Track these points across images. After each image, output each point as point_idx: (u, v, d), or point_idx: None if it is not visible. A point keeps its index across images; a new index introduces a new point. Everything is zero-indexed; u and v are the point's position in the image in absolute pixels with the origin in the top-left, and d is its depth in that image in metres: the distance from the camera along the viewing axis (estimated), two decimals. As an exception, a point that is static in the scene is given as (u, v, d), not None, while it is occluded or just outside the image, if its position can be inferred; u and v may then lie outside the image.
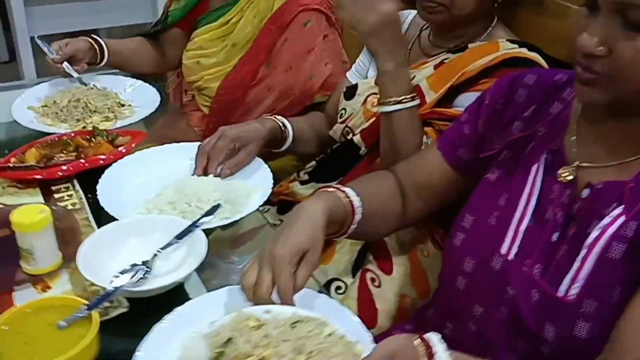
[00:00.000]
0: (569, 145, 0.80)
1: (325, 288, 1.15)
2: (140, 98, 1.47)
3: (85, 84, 1.46)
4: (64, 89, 1.44)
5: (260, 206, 1.11)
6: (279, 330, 0.73)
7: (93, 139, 1.21)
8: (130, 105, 1.45)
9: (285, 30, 1.43)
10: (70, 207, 1.09)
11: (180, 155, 1.20)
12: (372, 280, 1.16)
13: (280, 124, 1.28)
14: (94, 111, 1.36)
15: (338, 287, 1.15)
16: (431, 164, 0.98)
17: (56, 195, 1.12)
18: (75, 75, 1.46)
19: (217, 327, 0.75)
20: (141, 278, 0.90)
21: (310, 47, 1.42)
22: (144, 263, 0.92)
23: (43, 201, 1.10)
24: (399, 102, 1.07)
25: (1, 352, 0.75)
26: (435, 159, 0.97)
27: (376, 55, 1.06)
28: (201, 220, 1.00)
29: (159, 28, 1.67)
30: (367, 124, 1.23)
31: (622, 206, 0.72)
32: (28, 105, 1.38)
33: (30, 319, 0.80)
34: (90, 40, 1.53)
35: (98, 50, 1.53)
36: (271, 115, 1.30)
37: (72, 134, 1.23)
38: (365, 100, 1.26)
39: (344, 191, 0.92)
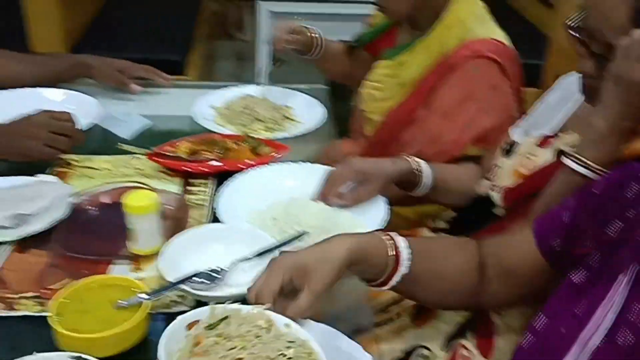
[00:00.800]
0: None
1: (407, 354, 1.03)
2: (310, 116, 1.48)
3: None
4: (244, 96, 1.51)
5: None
6: (275, 342, 0.70)
7: (239, 144, 1.25)
8: (296, 120, 1.47)
9: (450, 75, 1.31)
10: (197, 201, 1.14)
11: (310, 176, 1.18)
12: (465, 358, 1.01)
13: (416, 167, 1.18)
14: (259, 119, 1.41)
15: (423, 356, 1.03)
16: (521, 247, 0.83)
17: (191, 188, 1.18)
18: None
19: (231, 307, 0.74)
20: (210, 283, 0.90)
21: (472, 95, 1.29)
22: (220, 270, 0.92)
23: (180, 190, 1.17)
24: (587, 167, 0.90)
25: (62, 317, 0.80)
26: (526, 242, 0.82)
27: (606, 106, 0.90)
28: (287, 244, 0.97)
29: (355, 44, 1.67)
30: (512, 184, 1.09)
31: None
32: (211, 104, 1.48)
33: (94, 293, 0.85)
34: (309, 30, 1.57)
35: (315, 44, 1.57)
36: (409, 157, 1.21)
37: (223, 136, 1.28)
38: (521, 160, 1.11)
39: (393, 239, 0.82)
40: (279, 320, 0.74)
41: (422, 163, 1.20)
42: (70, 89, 1.49)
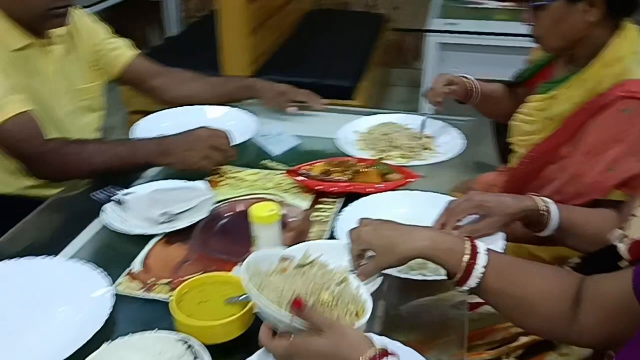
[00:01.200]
0: None
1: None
2: (449, 146, 1.49)
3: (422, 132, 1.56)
4: (386, 123, 1.56)
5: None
6: (337, 287, 0.85)
7: (370, 168, 1.30)
8: (434, 150, 1.48)
9: (599, 114, 1.23)
10: (321, 217, 1.22)
11: (433, 205, 1.19)
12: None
13: (542, 207, 1.13)
14: (396, 147, 1.45)
15: None
16: (618, 280, 0.80)
17: (319, 205, 1.26)
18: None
19: (322, 260, 0.91)
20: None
21: (620, 136, 1.20)
22: (323, 282, 0.97)
23: (309, 206, 1.26)
24: None
25: (182, 303, 0.92)
26: (625, 277, 0.78)
27: None
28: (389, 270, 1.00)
29: (515, 81, 1.64)
30: (644, 238, 1.00)
31: None
32: (355, 129, 1.56)
33: (211, 287, 0.95)
34: (466, 80, 1.59)
35: (471, 92, 1.58)
36: (538, 196, 1.16)
37: (356, 159, 1.34)
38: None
39: (476, 253, 0.87)
40: (353, 282, 0.88)
41: (551, 203, 1.14)
42: (233, 106, 1.67)
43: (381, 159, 1.39)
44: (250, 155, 1.48)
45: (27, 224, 1.28)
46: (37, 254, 1.08)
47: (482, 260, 0.86)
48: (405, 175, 1.30)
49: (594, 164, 1.24)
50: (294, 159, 1.43)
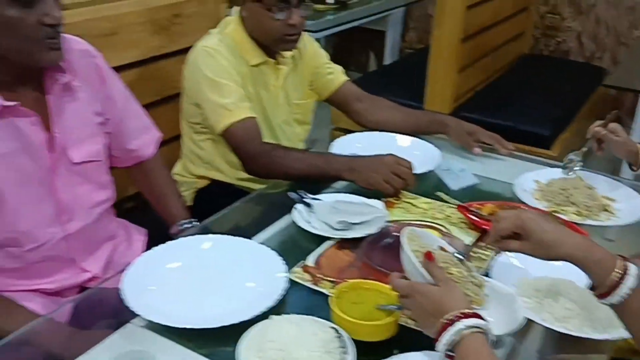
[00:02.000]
0: None
1: None
2: (629, 212, 1.44)
3: (568, 174, 1.57)
4: (566, 178, 1.55)
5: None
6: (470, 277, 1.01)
7: (538, 218, 1.32)
8: (613, 213, 1.45)
9: None
10: (481, 255, 1.28)
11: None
12: None
13: None
14: (573, 203, 1.44)
15: None
16: None
17: (482, 243, 1.32)
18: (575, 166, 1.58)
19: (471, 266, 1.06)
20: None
21: None
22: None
23: (470, 242, 1.33)
24: None
25: (339, 300, 1.05)
26: None
27: None
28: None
29: None
30: None
31: None
32: (535, 179, 1.58)
33: (367, 292, 1.08)
34: (632, 143, 1.54)
35: (636, 156, 1.53)
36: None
37: (527, 207, 1.37)
38: None
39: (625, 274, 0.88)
40: (485, 288, 1.01)
41: None
42: (420, 137, 1.79)
43: (554, 211, 1.41)
44: (428, 185, 1.58)
45: (234, 209, 1.54)
46: (235, 235, 1.31)
47: (630, 282, 0.88)
48: (574, 231, 1.30)
49: None
50: (469, 196, 1.50)
